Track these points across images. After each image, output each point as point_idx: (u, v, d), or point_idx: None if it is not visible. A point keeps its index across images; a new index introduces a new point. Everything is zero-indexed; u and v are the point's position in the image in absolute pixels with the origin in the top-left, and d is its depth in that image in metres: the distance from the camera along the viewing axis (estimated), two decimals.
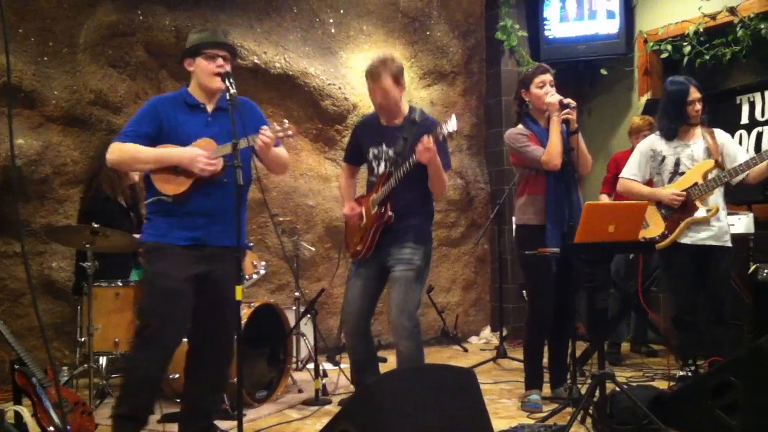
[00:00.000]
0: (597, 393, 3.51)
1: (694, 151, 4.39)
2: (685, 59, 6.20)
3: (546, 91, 4.27)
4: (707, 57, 6.06)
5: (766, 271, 4.76)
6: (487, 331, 7.23)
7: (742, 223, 5.20)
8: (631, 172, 4.56)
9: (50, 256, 5.38)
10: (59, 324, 5.39)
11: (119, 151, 3.41)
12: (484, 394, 3.11)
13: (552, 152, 4.15)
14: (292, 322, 5.06)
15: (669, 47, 6.41)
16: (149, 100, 3.57)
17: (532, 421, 3.96)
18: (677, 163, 4.42)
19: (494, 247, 7.15)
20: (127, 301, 4.43)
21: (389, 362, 5.57)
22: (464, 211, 7.19)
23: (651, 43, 6.61)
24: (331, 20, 6.54)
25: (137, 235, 4.17)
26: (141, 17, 5.58)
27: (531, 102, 4.39)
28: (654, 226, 4.41)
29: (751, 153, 4.31)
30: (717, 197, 4.35)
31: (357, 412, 2.88)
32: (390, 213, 3.98)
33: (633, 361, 5.67)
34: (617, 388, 3.65)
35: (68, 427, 3.52)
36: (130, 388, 3.41)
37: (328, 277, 6.45)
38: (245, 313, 4.36)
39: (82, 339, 4.58)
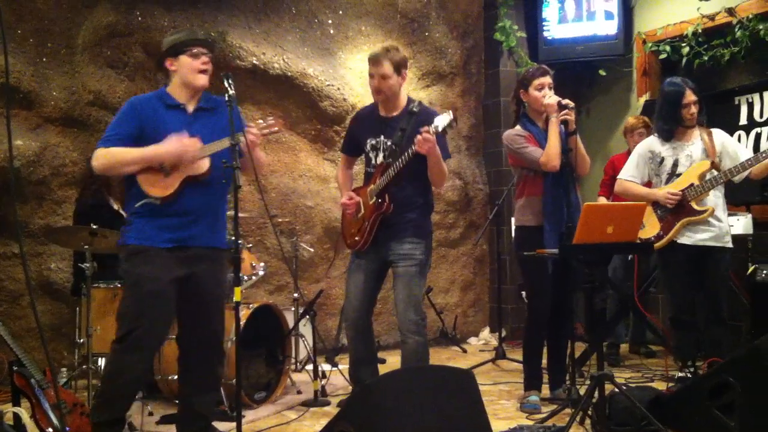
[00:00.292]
0: (596, 394, 3.51)
1: (693, 152, 4.39)
2: (684, 60, 6.20)
3: (545, 94, 4.27)
4: (706, 58, 6.06)
5: (764, 271, 4.76)
6: (485, 332, 7.23)
7: (741, 223, 5.20)
8: (629, 174, 4.56)
9: (48, 257, 5.38)
10: (58, 325, 5.38)
11: (104, 156, 3.35)
12: (483, 395, 3.11)
13: (550, 153, 4.16)
14: (290, 323, 5.05)
15: (667, 48, 6.41)
16: (128, 102, 3.50)
17: (531, 422, 3.95)
18: (675, 164, 4.42)
19: (493, 247, 7.15)
20: None
21: (388, 363, 5.57)
22: (463, 212, 7.19)
23: (649, 44, 6.61)
24: (330, 21, 6.54)
25: None
26: (139, 18, 5.58)
27: (529, 103, 4.39)
28: (650, 227, 4.41)
29: (750, 154, 4.30)
30: (715, 198, 4.35)
31: (356, 412, 2.87)
32: (389, 203, 3.97)
33: (632, 362, 5.67)
34: (616, 389, 3.65)
35: (67, 429, 3.51)
36: (114, 393, 3.37)
37: (326, 278, 6.46)
38: (244, 314, 4.36)
39: (81, 340, 4.59)
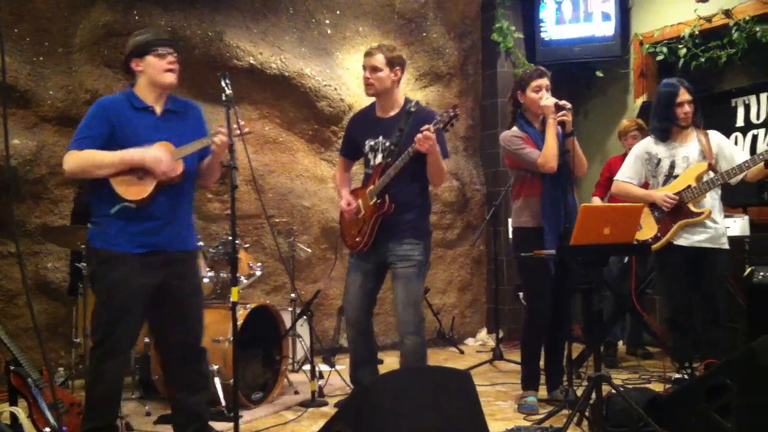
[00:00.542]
0: (593, 395, 3.51)
1: (689, 153, 4.40)
2: (681, 62, 6.21)
3: (542, 96, 4.27)
4: (702, 59, 6.07)
5: (761, 273, 4.77)
6: (483, 333, 7.23)
7: (738, 225, 5.21)
8: (626, 175, 4.57)
9: (45, 257, 5.37)
10: (54, 324, 5.38)
11: (77, 159, 3.28)
12: (480, 395, 3.10)
13: (548, 155, 4.16)
14: (288, 324, 5.05)
15: (664, 49, 6.42)
16: (97, 103, 3.44)
17: (528, 423, 3.96)
18: (672, 166, 4.43)
19: (490, 248, 7.14)
20: None
21: (386, 364, 5.57)
22: (460, 213, 7.19)
23: (646, 46, 6.62)
24: (328, 21, 6.54)
25: None
26: (137, 17, 5.57)
27: (526, 105, 4.40)
28: (647, 228, 4.42)
29: (747, 156, 4.31)
30: (712, 199, 4.36)
31: (353, 413, 2.87)
32: (390, 203, 3.98)
33: (629, 364, 5.68)
34: (613, 391, 3.66)
35: (64, 428, 3.51)
36: (101, 399, 3.36)
37: (324, 279, 6.45)
38: (241, 314, 4.36)
39: (78, 340, 4.59)
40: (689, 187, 4.33)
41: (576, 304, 5.00)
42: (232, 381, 3.74)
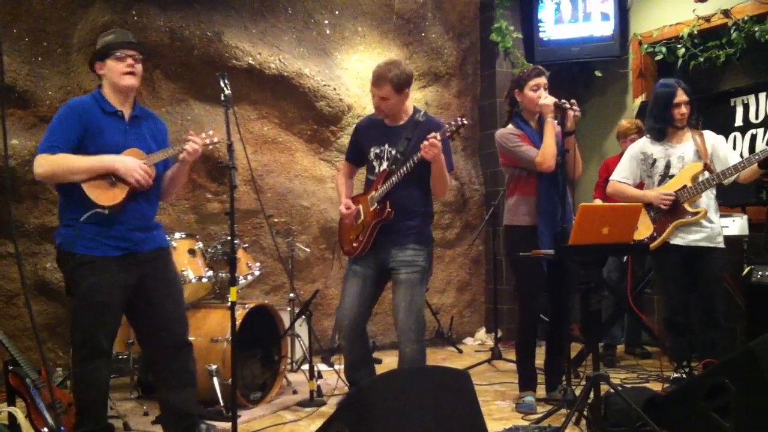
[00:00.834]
0: (591, 395, 3.51)
1: (685, 153, 4.41)
2: (680, 61, 6.21)
3: (540, 95, 4.27)
4: (701, 59, 6.07)
5: (759, 273, 4.77)
6: (481, 333, 7.23)
7: (736, 225, 5.21)
8: (622, 175, 4.57)
9: (44, 257, 5.37)
10: (53, 325, 5.38)
11: (51, 163, 3.26)
12: (479, 395, 3.11)
13: (546, 153, 4.16)
14: (286, 323, 5.05)
15: (663, 49, 6.41)
16: (68, 106, 3.42)
17: (526, 423, 3.96)
18: (668, 166, 4.44)
19: (489, 248, 7.15)
20: None
21: (384, 363, 5.57)
22: (459, 213, 7.19)
23: (645, 46, 6.62)
24: (326, 21, 6.54)
25: None
26: (135, 18, 5.57)
27: (523, 103, 4.39)
28: (643, 228, 4.41)
29: (745, 155, 4.31)
30: (708, 199, 4.37)
31: (350, 413, 2.87)
32: (389, 209, 3.94)
33: (627, 363, 5.69)
34: (611, 390, 3.66)
35: (62, 428, 3.51)
36: (93, 401, 3.37)
37: (322, 278, 6.46)
38: (240, 314, 4.35)
39: None
40: (685, 187, 4.34)
41: (574, 303, 5.00)
42: (230, 381, 3.73)
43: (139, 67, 3.48)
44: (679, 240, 4.35)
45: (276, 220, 5.97)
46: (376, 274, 4.09)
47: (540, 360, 4.53)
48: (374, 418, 2.73)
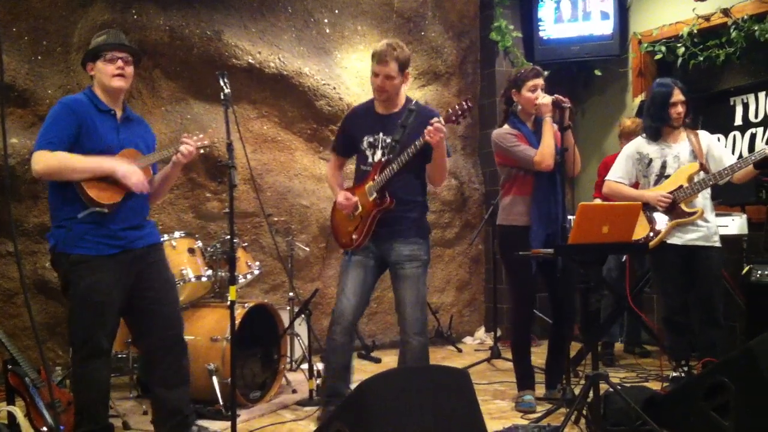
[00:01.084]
0: (591, 394, 3.51)
1: (680, 153, 4.43)
2: (679, 61, 6.20)
3: (538, 96, 4.27)
4: (701, 58, 6.06)
5: (759, 272, 4.77)
6: (481, 332, 7.23)
7: (736, 224, 5.21)
8: (618, 175, 4.58)
9: (43, 256, 5.36)
10: (52, 324, 5.37)
11: (51, 160, 3.25)
12: (478, 394, 3.11)
13: (545, 153, 4.16)
14: (286, 323, 5.05)
15: (663, 48, 6.41)
16: (63, 104, 3.41)
17: (526, 422, 3.96)
18: (664, 166, 4.45)
19: (488, 247, 7.15)
20: None
21: (384, 363, 5.58)
22: (458, 212, 7.19)
23: (645, 45, 6.61)
24: (326, 20, 6.53)
25: None
26: (135, 17, 5.57)
27: (520, 104, 4.39)
28: (640, 228, 4.39)
29: (745, 154, 4.32)
30: (703, 199, 4.38)
31: (350, 412, 2.87)
32: (391, 198, 3.89)
33: (626, 362, 5.69)
34: (611, 389, 3.66)
35: (61, 427, 3.51)
36: (94, 401, 3.37)
37: (322, 278, 6.45)
38: (239, 313, 4.35)
39: None
40: (681, 187, 4.35)
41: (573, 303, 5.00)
42: (229, 380, 3.73)
43: (129, 70, 3.48)
44: (676, 239, 4.36)
45: (275, 219, 5.97)
46: (375, 266, 4.05)
47: (540, 359, 4.53)
48: (373, 418, 2.73)
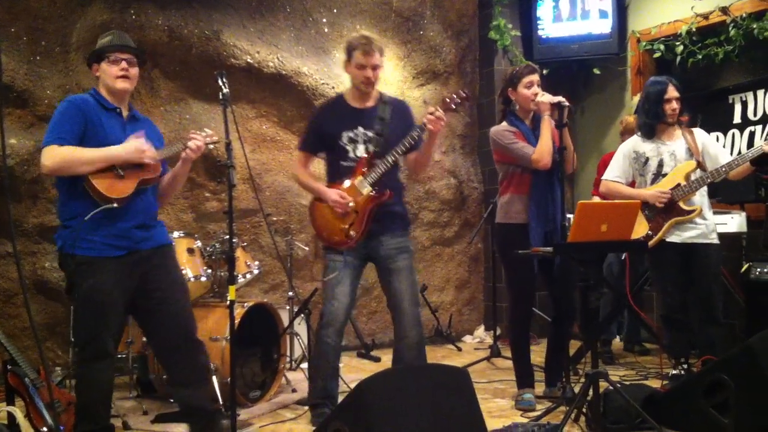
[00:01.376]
0: (590, 392, 3.52)
1: (676, 151, 4.44)
2: (678, 59, 6.21)
3: (534, 92, 4.27)
4: (700, 57, 6.06)
5: (758, 269, 4.78)
6: (480, 330, 7.24)
7: (735, 222, 5.21)
8: (615, 174, 4.58)
9: (43, 256, 5.37)
10: (52, 324, 5.38)
11: (62, 154, 3.23)
12: (478, 393, 3.11)
13: (543, 151, 4.16)
14: (285, 322, 5.05)
15: (662, 47, 6.41)
16: (70, 101, 3.41)
17: (525, 420, 3.96)
18: (660, 164, 4.45)
19: (487, 246, 7.15)
20: None
21: (383, 362, 5.58)
22: (457, 211, 7.19)
23: (644, 43, 6.62)
24: (325, 20, 6.53)
25: None
26: (133, 16, 5.57)
27: (517, 101, 4.40)
28: (638, 227, 4.40)
29: (728, 153, 4.32)
30: (701, 196, 4.40)
31: (350, 411, 2.87)
32: (390, 192, 3.90)
33: (626, 360, 5.69)
34: (610, 387, 3.66)
35: (61, 428, 3.51)
36: (95, 402, 3.36)
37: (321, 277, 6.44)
38: (239, 312, 4.35)
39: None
40: (679, 185, 4.36)
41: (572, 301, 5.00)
42: (229, 379, 3.73)
43: (133, 71, 3.49)
44: (674, 237, 4.37)
45: (274, 218, 5.97)
46: (361, 265, 4.05)
47: (540, 357, 4.53)
48: (373, 417, 2.72)
